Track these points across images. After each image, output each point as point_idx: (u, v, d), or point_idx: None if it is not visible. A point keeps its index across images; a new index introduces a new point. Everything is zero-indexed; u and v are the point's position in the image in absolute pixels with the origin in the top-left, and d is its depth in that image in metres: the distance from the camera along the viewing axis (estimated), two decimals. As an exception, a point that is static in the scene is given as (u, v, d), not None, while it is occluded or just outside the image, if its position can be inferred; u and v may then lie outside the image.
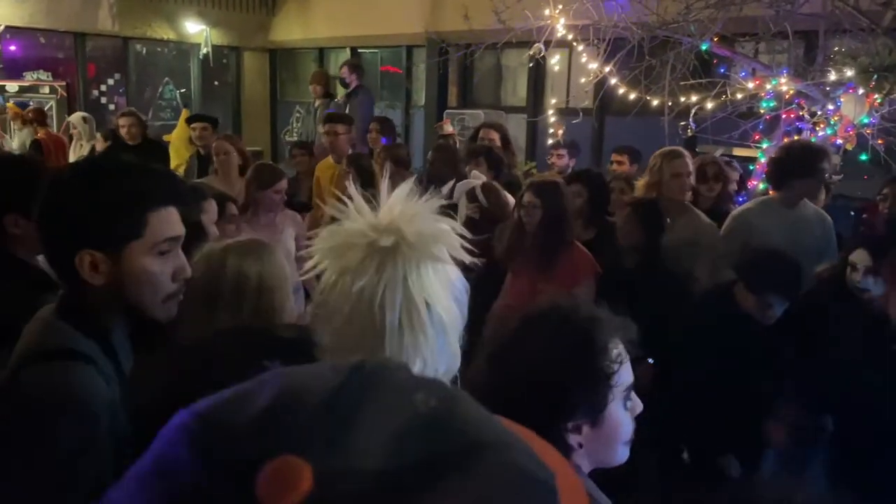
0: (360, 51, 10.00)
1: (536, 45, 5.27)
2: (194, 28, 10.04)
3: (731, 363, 2.85)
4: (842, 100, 4.51)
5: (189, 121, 6.32)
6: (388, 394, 0.59)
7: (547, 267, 3.54)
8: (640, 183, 4.15)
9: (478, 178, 4.38)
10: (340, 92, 8.13)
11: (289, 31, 10.59)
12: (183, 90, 10.61)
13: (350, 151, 5.42)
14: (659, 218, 3.67)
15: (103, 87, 9.95)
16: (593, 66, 5.39)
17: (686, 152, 4.06)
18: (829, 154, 4.02)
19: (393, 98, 9.91)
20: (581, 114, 5.95)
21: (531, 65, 7.21)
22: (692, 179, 3.98)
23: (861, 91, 4.43)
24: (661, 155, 3.96)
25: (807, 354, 2.92)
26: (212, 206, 2.91)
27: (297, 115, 10.66)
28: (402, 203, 1.08)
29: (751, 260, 3.07)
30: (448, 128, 6.85)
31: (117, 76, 10.00)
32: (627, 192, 4.28)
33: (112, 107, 9.79)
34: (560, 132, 6.44)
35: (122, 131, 6.30)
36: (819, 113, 4.83)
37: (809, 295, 3.06)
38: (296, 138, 9.92)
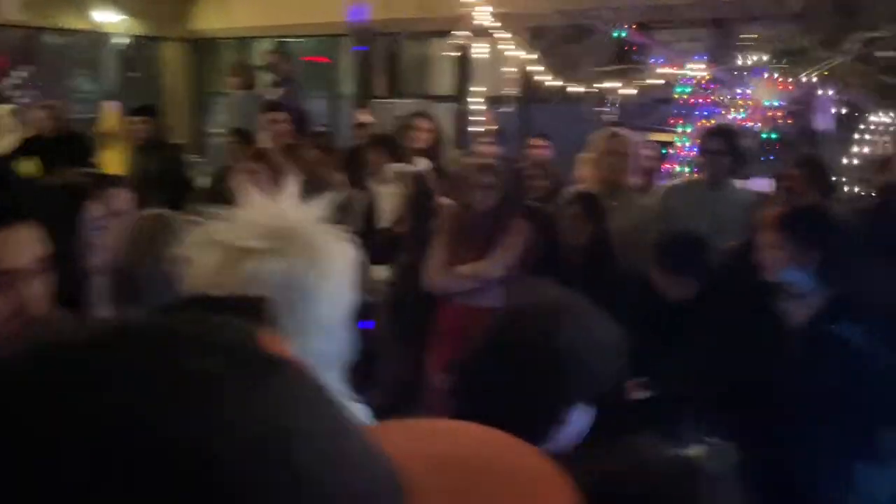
0: (284, 40, 9.83)
1: (459, 33, 5.30)
2: (109, 17, 9.68)
3: (650, 343, 2.94)
4: (753, 84, 4.70)
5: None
6: None
7: (487, 245, 3.56)
8: (583, 162, 4.23)
9: (414, 165, 4.39)
10: (262, 82, 7.98)
11: (209, 20, 10.33)
12: (98, 82, 10.23)
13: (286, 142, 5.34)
14: (601, 208, 3.72)
15: (14, 80, 9.50)
16: (517, 54, 5.46)
17: (628, 132, 4.14)
18: (746, 135, 4.18)
19: (317, 88, 9.78)
20: (507, 102, 6.02)
21: (458, 54, 7.23)
22: (639, 161, 4.06)
23: (773, 75, 4.62)
24: (601, 134, 4.06)
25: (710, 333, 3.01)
26: (115, 194, 2.81)
27: (221, 106, 10.42)
28: (289, 208, 1.10)
29: (659, 240, 3.17)
30: (366, 117, 6.79)
31: (28, 68, 9.57)
32: (541, 179, 4.35)
33: (26, 100, 9.36)
34: (490, 121, 6.49)
35: (39, 124, 6.06)
36: (734, 98, 5.02)
37: (716, 273, 3.18)
38: (221, 130, 9.69)
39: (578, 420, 1.21)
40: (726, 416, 2.84)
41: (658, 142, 5.38)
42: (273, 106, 5.66)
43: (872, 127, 4.38)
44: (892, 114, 4.31)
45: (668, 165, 5.11)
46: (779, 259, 2.77)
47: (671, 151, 5.19)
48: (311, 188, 1.31)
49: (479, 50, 6.20)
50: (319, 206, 1.15)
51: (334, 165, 4.72)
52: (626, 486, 0.90)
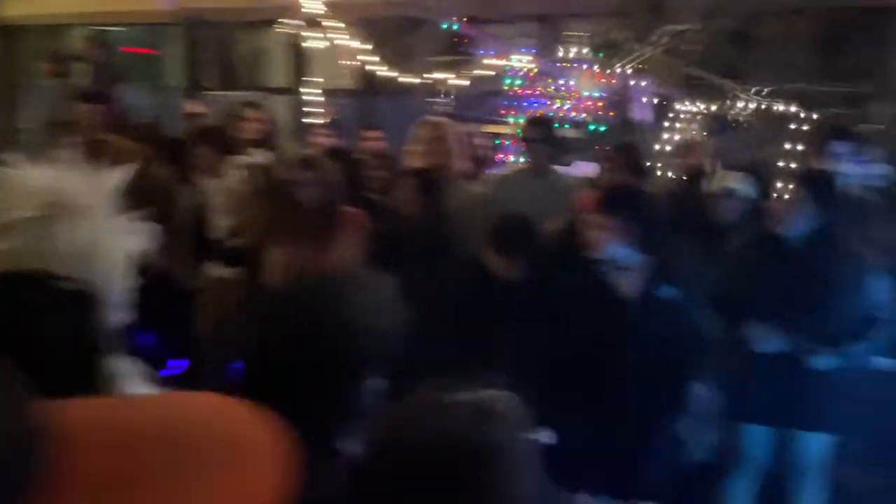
0: (103, 29, 9.17)
1: (289, 23, 5.16)
2: None
3: (483, 321, 3.00)
4: (575, 76, 4.94)
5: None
6: None
7: (323, 239, 3.48)
8: (409, 152, 4.23)
9: (252, 157, 4.21)
10: (77, 72, 7.40)
11: (18, 5, 9.44)
12: None
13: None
14: (434, 183, 3.74)
15: None
16: (351, 44, 5.40)
17: (447, 121, 4.20)
18: (567, 124, 4.37)
19: (142, 79, 9.21)
20: (344, 93, 5.95)
21: (291, 44, 7.06)
22: (465, 149, 4.12)
23: (592, 67, 4.88)
24: (421, 123, 4.08)
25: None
26: None
27: (33, 96, 9.54)
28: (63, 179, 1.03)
29: (490, 224, 3.26)
30: (196, 108, 6.46)
31: None
32: (380, 170, 4.34)
33: None
34: (326, 112, 6.37)
35: None
36: (559, 89, 5.24)
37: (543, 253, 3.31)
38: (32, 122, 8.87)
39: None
40: (561, 388, 2.97)
41: (491, 133, 5.52)
42: (87, 96, 5.25)
43: (682, 115, 4.74)
44: (697, 103, 4.69)
45: (501, 155, 5.26)
46: (603, 236, 2.93)
47: (504, 142, 5.34)
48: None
49: (314, 41, 6.07)
50: (104, 183, 1.08)
51: (158, 158, 4.44)
52: (420, 429, 0.90)
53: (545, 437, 2.77)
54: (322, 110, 6.36)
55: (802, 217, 2.81)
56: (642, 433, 2.86)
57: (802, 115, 4.49)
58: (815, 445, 3.02)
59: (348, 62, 5.64)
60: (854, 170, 3.24)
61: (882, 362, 3.21)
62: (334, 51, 6.95)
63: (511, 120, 5.27)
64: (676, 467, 3.28)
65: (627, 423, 2.86)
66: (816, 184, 2.88)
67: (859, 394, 3.01)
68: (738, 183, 3.42)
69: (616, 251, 2.88)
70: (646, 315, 2.85)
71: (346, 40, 5.51)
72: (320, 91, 6.40)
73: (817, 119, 4.05)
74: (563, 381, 3.10)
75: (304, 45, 6.71)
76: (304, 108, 6.87)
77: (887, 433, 3.31)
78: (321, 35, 6.65)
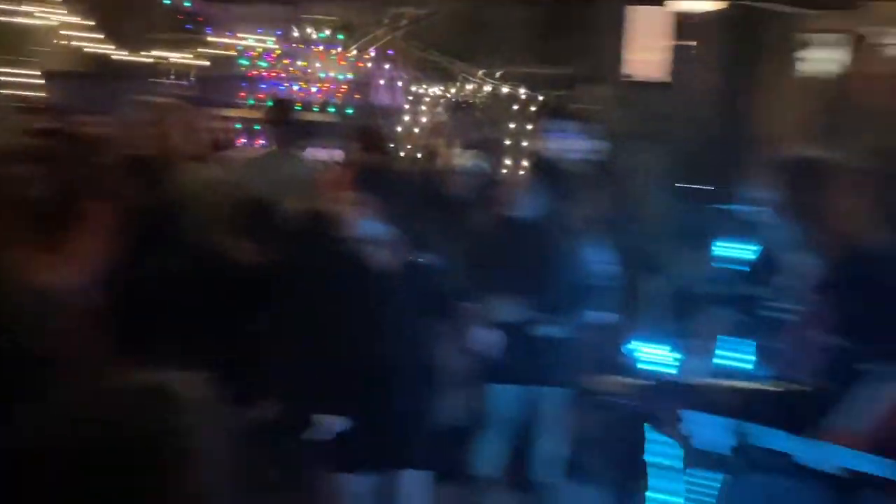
0: None
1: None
2: None
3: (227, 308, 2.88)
4: (317, 58, 4.91)
5: None
6: None
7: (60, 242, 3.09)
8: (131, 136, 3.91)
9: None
10: None
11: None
12: None
13: None
14: (157, 171, 3.48)
15: None
16: (66, 21, 4.88)
17: (175, 102, 3.94)
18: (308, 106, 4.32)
19: None
20: (64, 74, 5.37)
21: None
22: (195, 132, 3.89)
23: (334, 49, 4.87)
24: (146, 105, 3.79)
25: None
26: None
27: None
28: None
29: (230, 208, 3.13)
30: None
31: None
32: (102, 156, 3.98)
33: None
34: (43, 96, 5.71)
35: None
36: (302, 72, 5.17)
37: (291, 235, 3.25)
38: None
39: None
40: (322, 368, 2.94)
41: (231, 115, 5.30)
42: None
43: (421, 98, 4.92)
44: (434, 86, 4.88)
45: (243, 138, 5.08)
46: (356, 213, 2.96)
47: (245, 125, 5.16)
48: None
49: (24, 17, 5.40)
50: None
51: None
52: (99, 409, 0.85)
53: (331, 423, 2.77)
54: (39, 93, 5.71)
55: (529, 197, 3.03)
56: (401, 405, 2.93)
57: (527, 96, 4.86)
58: (553, 399, 3.30)
59: (65, 41, 5.09)
60: (571, 145, 3.56)
61: (600, 316, 3.58)
62: (49, 29, 6.25)
63: (253, 103, 5.11)
64: (434, 433, 3.43)
65: (386, 396, 2.92)
66: (546, 167, 3.13)
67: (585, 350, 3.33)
68: (471, 161, 3.62)
69: (369, 227, 2.92)
70: (399, 287, 2.93)
71: (62, 17, 4.97)
72: (35, 72, 5.73)
73: (540, 100, 4.39)
74: (324, 362, 3.09)
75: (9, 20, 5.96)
76: (16, 92, 6.11)
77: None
78: (33, 11, 5.94)
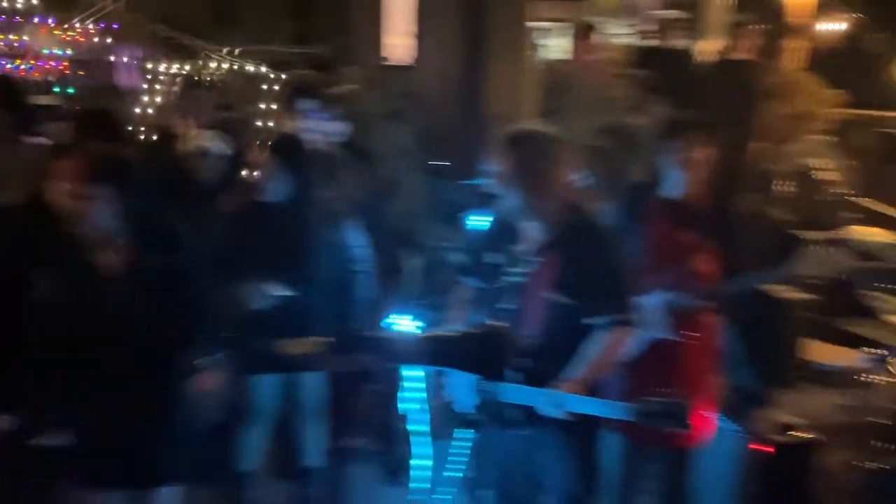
0: None
1: None
2: None
3: None
4: (30, 32, 4.38)
5: None
6: None
7: None
8: None
9: None
10: None
11: None
12: None
13: None
14: None
15: None
16: None
17: None
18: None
19: None
20: None
21: None
22: None
23: (49, 22, 4.37)
24: None
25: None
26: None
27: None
28: None
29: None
30: None
31: None
32: None
33: None
34: None
35: None
36: (13, 47, 4.59)
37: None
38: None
39: None
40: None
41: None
42: None
43: (156, 76, 4.59)
44: (171, 64, 4.58)
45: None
46: (86, 207, 2.68)
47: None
48: None
49: None
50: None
51: None
52: None
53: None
54: None
55: (278, 181, 2.95)
56: (150, 415, 2.73)
57: (273, 75, 4.75)
58: (314, 384, 3.27)
59: None
60: (321, 127, 3.51)
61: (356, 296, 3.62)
62: None
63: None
64: (190, 443, 3.25)
65: (133, 406, 2.71)
66: (288, 149, 3.05)
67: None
68: (212, 142, 3.45)
69: (100, 221, 2.68)
70: (138, 286, 2.71)
71: None
72: None
73: (286, 79, 4.30)
74: (57, 370, 2.79)
75: None
76: None
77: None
78: None
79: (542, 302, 2.39)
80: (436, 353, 1.00)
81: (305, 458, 3.39)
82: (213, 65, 4.73)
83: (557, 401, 2.20)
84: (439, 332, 1.04)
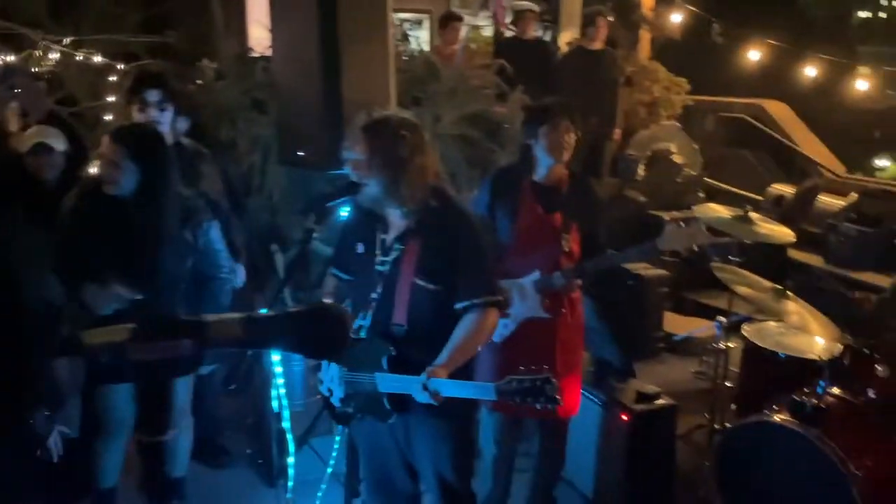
0: None
1: None
2: None
3: None
4: None
5: None
6: None
7: None
8: None
9: None
10: None
11: None
12: None
13: None
14: None
15: None
16: None
17: None
18: None
19: None
20: None
21: None
22: None
23: None
24: None
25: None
26: None
27: None
28: None
29: None
30: None
31: None
32: None
33: None
34: None
35: None
36: None
37: None
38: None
39: None
40: None
41: None
42: None
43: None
44: (10, 56, 4.21)
45: None
46: None
47: None
48: None
49: None
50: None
51: None
52: None
53: None
54: None
55: (125, 174, 2.73)
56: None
57: (120, 66, 4.48)
58: (182, 388, 3.10)
59: None
60: (168, 119, 3.31)
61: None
62: None
63: None
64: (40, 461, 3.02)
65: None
66: (133, 137, 2.83)
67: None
68: (53, 138, 3.21)
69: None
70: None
71: None
72: None
73: (133, 71, 4.06)
74: None
75: None
76: None
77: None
78: None
79: (409, 289, 2.38)
80: (258, 334, 0.96)
81: (170, 468, 3.23)
82: (53, 56, 4.39)
83: (427, 387, 2.20)
84: (262, 313, 1.00)
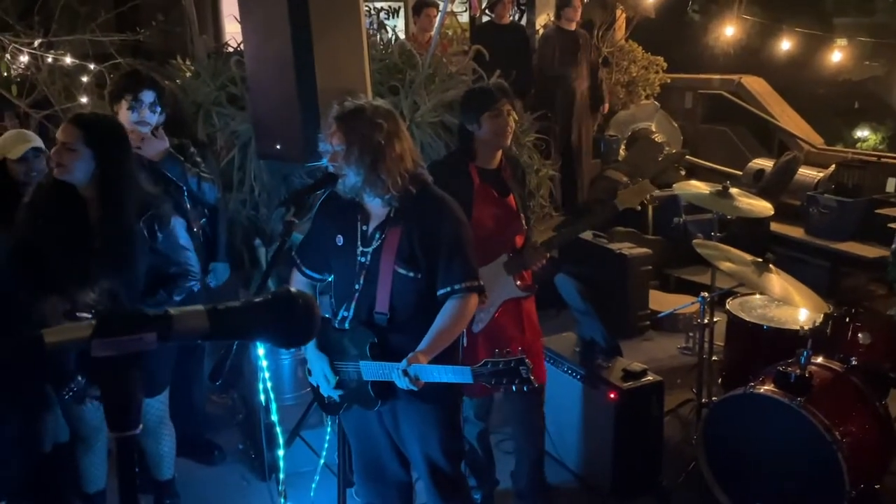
0: None
1: None
2: None
3: None
4: None
5: None
6: None
7: None
8: None
9: None
10: None
11: None
12: None
13: None
14: None
15: None
16: None
17: None
18: None
19: None
20: None
21: None
22: None
23: None
24: None
25: None
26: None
27: None
28: None
29: None
30: None
31: None
32: None
33: None
34: None
35: None
36: None
37: None
38: None
39: None
40: None
41: None
42: None
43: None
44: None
45: None
46: None
47: None
48: None
49: None
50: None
51: None
52: None
53: None
54: None
55: (78, 160, 2.63)
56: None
57: (92, 67, 4.42)
58: (153, 402, 3.06)
59: None
60: (155, 121, 3.27)
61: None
62: None
63: None
64: (27, 459, 3.01)
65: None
66: (91, 124, 2.73)
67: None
68: (30, 143, 3.15)
69: None
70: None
71: None
72: None
73: (122, 69, 3.99)
74: None
75: None
76: None
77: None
78: None
79: (391, 278, 2.39)
80: (225, 325, 0.97)
81: (156, 473, 3.22)
82: (23, 59, 4.32)
83: (408, 373, 2.22)
84: (227, 304, 1.01)
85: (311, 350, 2.57)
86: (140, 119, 3.18)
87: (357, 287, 2.44)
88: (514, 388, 2.10)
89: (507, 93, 3.00)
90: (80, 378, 2.68)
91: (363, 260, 2.44)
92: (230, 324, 1.03)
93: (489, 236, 2.90)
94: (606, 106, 7.27)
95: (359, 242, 2.46)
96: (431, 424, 2.51)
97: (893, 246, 4.01)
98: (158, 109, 3.23)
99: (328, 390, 2.54)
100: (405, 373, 2.21)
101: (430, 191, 2.45)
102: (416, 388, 2.23)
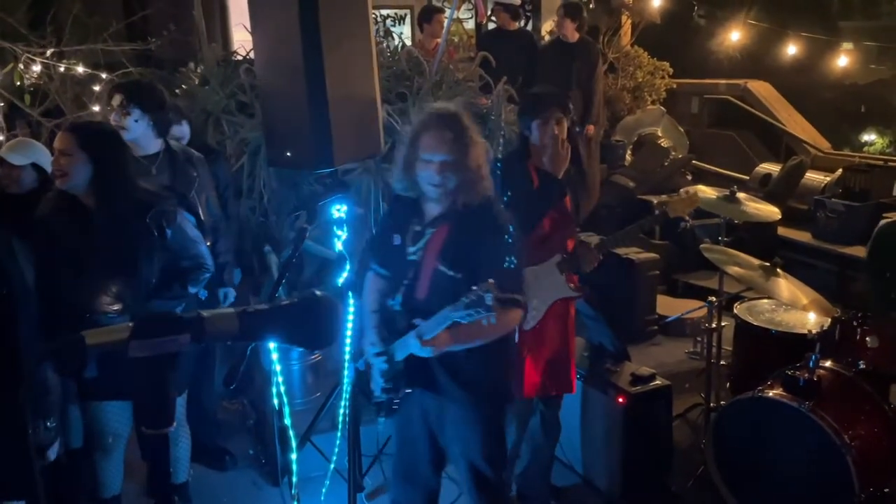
0: None
1: None
2: None
3: None
4: None
5: None
6: None
7: None
8: None
9: None
10: None
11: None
12: None
13: None
14: None
15: None
16: None
17: None
18: None
19: None
20: None
21: None
22: None
23: None
24: None
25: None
26: None
27: None
28: None
29: None
30: None
31: None
32: None
33: None
34: None
35: None
36: None
37: None
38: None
39: None
40: None
41: None
42: None
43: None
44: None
45: None
46: None
47: None
48: None
49: None
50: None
51: None
52: None
53: None
54: None
55: (76, 166, 2.65)
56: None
57: (104, 76, 4.47)
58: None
59: None
60: (128, 124, 3.26)
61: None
62: None
63: None
64: (35, 463, 3.02)
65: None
66: (86, 129, 2.75)
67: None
68: (12, 152, 3.17)
69: None
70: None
71: None
72: None
73: (119, 79, 4.06)
74: None
75: None
76: None
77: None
78: None
79: (431, 273, 2.43)
80: (253, 327, 0.99)
81: (172, 474, 3.24)
82: (35, 68, 4.37)
83: (420, 335, 2.30)
84: (256, 306, 1.04)
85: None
86: (118, 124, 3.17)
87: (405, 282, 2.51)
88: (481, 315, 2.13)
89: (560, 102, 3.04)
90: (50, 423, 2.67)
91: (414, 258, 2.49)
92: (259, 326, 1.06)
93: (544, 237, 2.95)
94: (591, 127, 6.53)
95: (409, 241, 2.51)
96: (474, 429, 2.55)
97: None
98: (135, 112, 3.18)
99: (378, 391, 2.56)
100: (419, 337, 2.30)
101: (484, 197, 2.47)
102: (431, 354, 2.32)
